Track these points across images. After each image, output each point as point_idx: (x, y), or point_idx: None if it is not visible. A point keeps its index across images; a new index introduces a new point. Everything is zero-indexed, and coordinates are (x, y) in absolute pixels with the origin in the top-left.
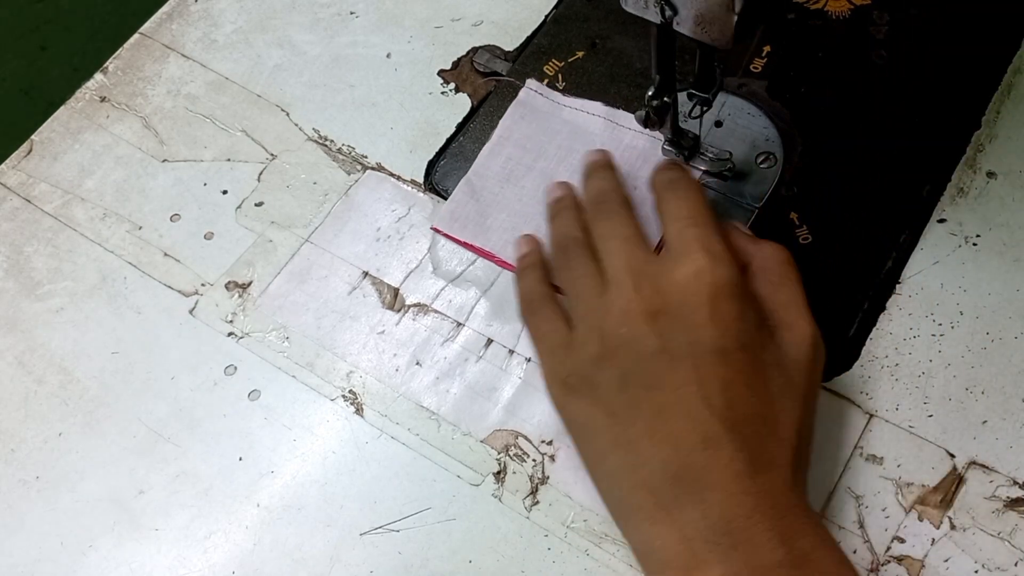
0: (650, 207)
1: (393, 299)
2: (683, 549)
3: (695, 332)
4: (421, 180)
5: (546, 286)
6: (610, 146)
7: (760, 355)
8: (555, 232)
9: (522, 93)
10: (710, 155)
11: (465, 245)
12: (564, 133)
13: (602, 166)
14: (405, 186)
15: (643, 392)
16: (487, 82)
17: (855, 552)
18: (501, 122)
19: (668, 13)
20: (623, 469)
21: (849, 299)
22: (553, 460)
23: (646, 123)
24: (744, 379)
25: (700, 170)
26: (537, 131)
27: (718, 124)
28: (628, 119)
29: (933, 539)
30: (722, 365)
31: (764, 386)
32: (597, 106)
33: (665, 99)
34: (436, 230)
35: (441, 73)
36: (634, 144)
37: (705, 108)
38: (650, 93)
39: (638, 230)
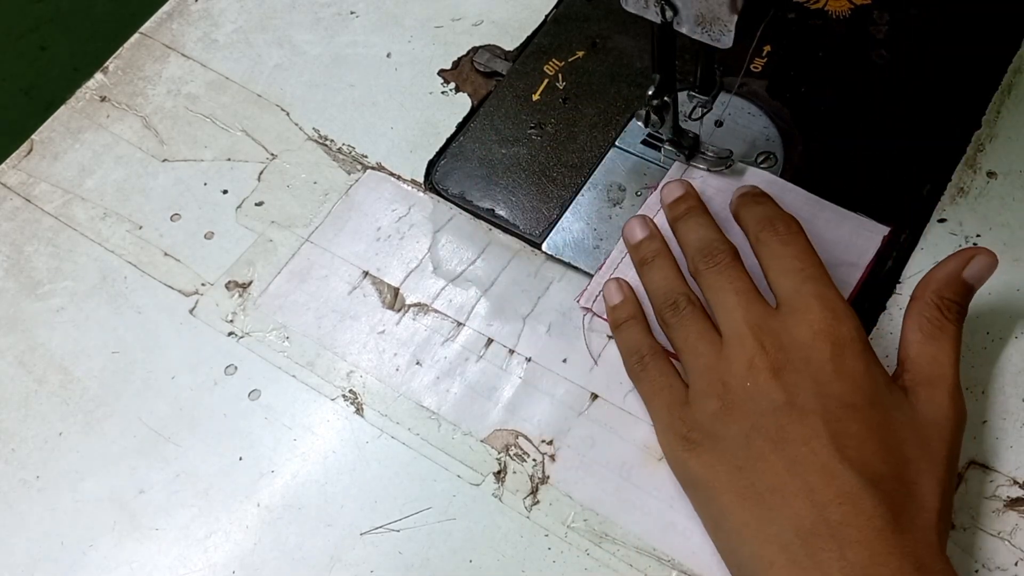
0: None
1: (393, 299)
2: None
3: (822, 387)
4: (421, 180)
5: (652, 339)
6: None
7: (891, 414)
8: (657, 285)
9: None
10: (710, 154)
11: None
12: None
13: (695, 209)
14: (405, 186)
15: (771, 445)
16: (487, 82)
17: None
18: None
19: (668, 13)
20: (751, 524)
21: (850, 299)
22: (553, 460)
23: (646, 122)
24: (877, 436)
25: (701, 168)
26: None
27: (718, 124)
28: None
29: None
30: (853, 420)
31: (898, 447)
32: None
33: (665, 98)
34: (588, 309)
35: (441, 73)
36: (714, 185)
37: (705, 110)
38: (650, 92)
39: (751, 283)
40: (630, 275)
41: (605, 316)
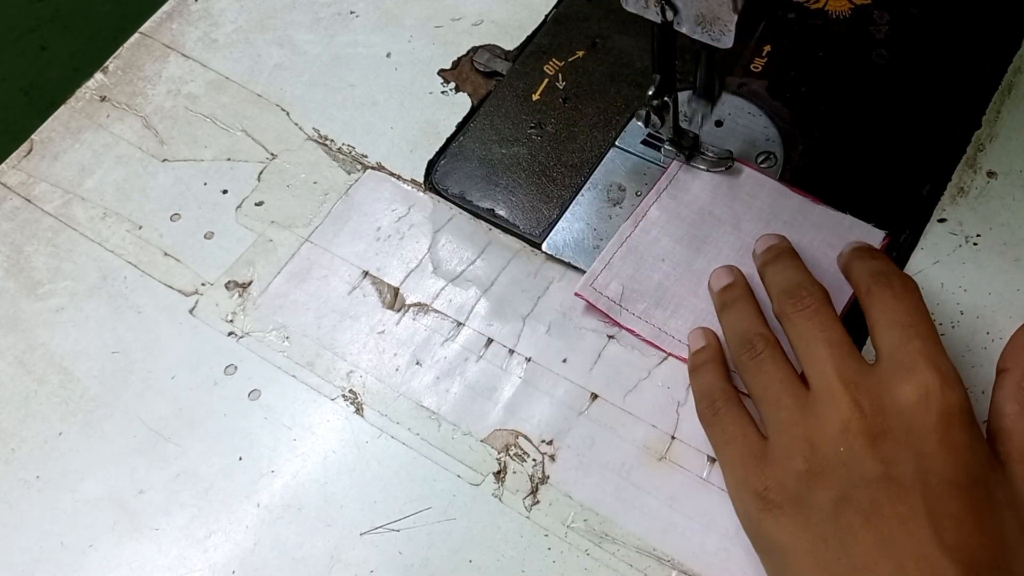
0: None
1: (393, 299)
2: None
3: (925, 461)
4: (421, 180)
5: (729, 384)
6: (792, 224)
7: (993, 493)
8: (735, 326)
9: (679, 172)
10: (711, 154)
11: (610, 320)
12: (732, 209)
13: (787, 253)
14: (405, 186)
15: (862, 520)
16: (487, 81)
17: None
18: (660, 201)
19: (668, 13)
20: None
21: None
22: (553, 460)
23: (646, 122)
24: (976, 518)
25: (702, 168)
26: (697, 208)
27: (718, 124)
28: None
29: None
30: (954, 499)
31: (998, 529)
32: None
33: (665, 98)
34: (580, 296)
35: (441, 72)
36: (817, 222)
37: (705, 118)
38: (651, 92)
39: (846, 335)
40: (624, 269)
41: (599, 306)
